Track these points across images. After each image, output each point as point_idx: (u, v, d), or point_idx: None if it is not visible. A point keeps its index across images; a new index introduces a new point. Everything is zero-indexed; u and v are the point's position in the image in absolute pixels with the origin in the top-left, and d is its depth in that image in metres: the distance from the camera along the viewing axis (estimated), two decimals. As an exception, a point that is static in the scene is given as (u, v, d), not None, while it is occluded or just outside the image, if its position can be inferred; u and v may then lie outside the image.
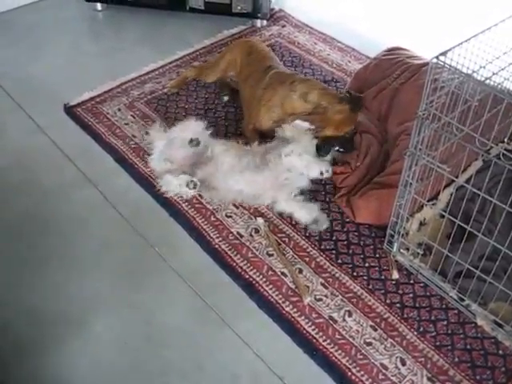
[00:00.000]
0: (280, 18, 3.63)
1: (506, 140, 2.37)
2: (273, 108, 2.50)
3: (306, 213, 2.25)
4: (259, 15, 3.49)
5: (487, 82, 1.67)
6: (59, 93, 2.95)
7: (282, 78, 2.54)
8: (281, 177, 2.31)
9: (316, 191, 2.42)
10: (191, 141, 2.34)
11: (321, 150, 2.39)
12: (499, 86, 1.80)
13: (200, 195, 2.39)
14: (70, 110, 2.85)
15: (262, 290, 2.06)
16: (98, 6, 3.64)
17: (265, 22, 3.55)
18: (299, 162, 2.32)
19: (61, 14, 3.64)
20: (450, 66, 1.64)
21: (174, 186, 2.32)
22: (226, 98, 2.91)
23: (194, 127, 2.45)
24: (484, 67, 1.71)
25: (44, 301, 2.05)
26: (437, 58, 1.63)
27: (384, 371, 1.84)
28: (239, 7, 3.45)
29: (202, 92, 2.96)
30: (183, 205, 2.36)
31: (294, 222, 2.30)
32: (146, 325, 1.98)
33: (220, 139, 2.50)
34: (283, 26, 3.54)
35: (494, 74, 1.70)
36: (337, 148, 2.43)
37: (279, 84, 2.50)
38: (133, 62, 3.19)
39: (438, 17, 3.56)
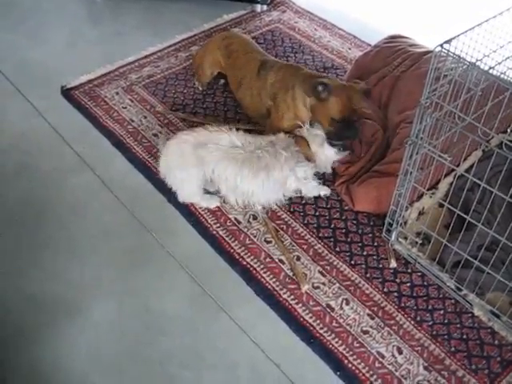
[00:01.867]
0: (280, 3, 3.59)
1: (508, 130, 2.36)
2: (289, 119, 2.40)
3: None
4: (259, 0, 3.46)
5: (491, 71, 1.65)
6: (58, 77, 2.92)
7: (285, 84, 2.42)
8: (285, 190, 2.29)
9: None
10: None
11: (332, 140, 2.32)
12: (503, 76, 1.79)
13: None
14: (67, 93, 2.83)
15: (259, 276, 2.06)
16: (97, -12, 3.60)
17: (265, 7, 3.51)
18: (307, 185, 2.30)
19: (59, -3, 3.60)
20: (454, 54, 1.63)
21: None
22: (222, 81, 2.89)
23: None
24: (488, 56, 1.70)
25: (42, 287, 2.04)
26: (441, 46, 1.62)
27: (380, 359, 1.84)
28: (239, -9, 3.42)
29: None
30: (181, 190, 2.35)
31: (292, 209, 2.29)
32: (144, 311, 1.98)
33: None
34: (283, 12, 3.51)
35: (498, 63, 1.68)
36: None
37: (285, 93, 2.40)
38: (131, 45, 3.16)
39: (440, 5, 3.55)
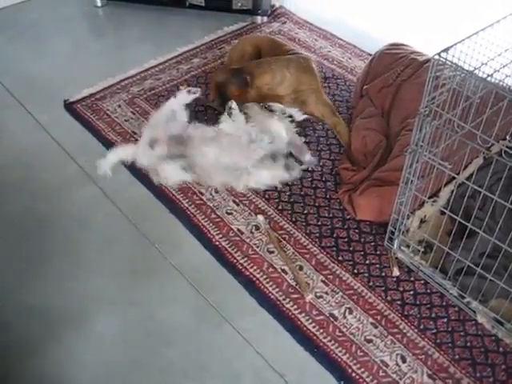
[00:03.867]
0: (280, 14, 3.62)
1: (507, 137, 2.36)
2: None
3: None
4: (259, 12, 3.49)
5: (489, 78, 1.66)
6: (59, 89, 2.94)
7: None
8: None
9: (317, 188, 2.42)
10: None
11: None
12: (501, 83, 1.79)
13: (201, 192, 2.39)
14: (69, 107, 2.85)
15: (262, 287, 2.06)
16: (98, 2, 3.63)
17: (265, 19, 3.54)
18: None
19: (60, 11, 3.63)
20: (452, 62, 1.64)
21: (171, 172, 2.39)
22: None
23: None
24: (486, 64, 1.71)
25: (45, 298, 2.04)
26: (439, 54, 1.63)
27: (384, 368, 1.84)
28: (239, 4, 3.45)
29: (202, 88, 2.95)
30: (184, 202, 2.36)
31: (294, 219, 2.29)
32: (148, 322, 1.98)
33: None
34: (284, 23, 3.54)
35: (495, 71, 1.69)
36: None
37: None
38: (133, 58, 3.18)
39: (439, 14, 3.57)
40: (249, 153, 2.38)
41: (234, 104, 2.49)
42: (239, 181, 2.38)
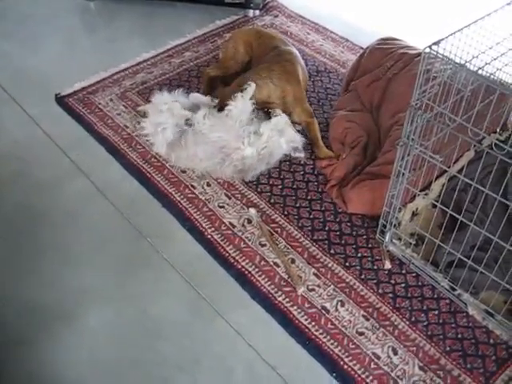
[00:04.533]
0: (273, 8, 3.61)
1: (498, 130, 2.38)
2: None
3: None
4: (252, 5, 3.48)
5: (480, 72, 1.67)
6: (52, 84, 2.93)
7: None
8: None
9: (309, 181, 2.43)
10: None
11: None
12: (491, 76, 1.80)
13: (193, 186, 2.39)
14: (61, 101, 2.84)
15: (254, 280, 2.07)
16: (90, -5, 3.62)
17: (257, 12, 3.53)
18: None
19: (53, 5, 3.61)
20: (443, 55, 1.64)
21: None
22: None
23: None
24: (477, 57, 1.71)
25: (38, 294, 2.04)
26: (430, 47, 1.63)
27: (376, 360, 1.85)
28: (232, -3, 3.44)
29: (194, 82, 2.95)
30: (176, 195, 2.36)
31: (286, 213, 2.30)
32: (141, 316, 1.98)
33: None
34: (276, 16, 3.53)
35: (486, 63, 1.69)
36: None
37: None
38: (125, 52, 3.17)
39: (431, 7, 3.57)
40: (239, 135, 2.39)
41: (252, 86, 2.49)
42: (222, 162, 2.39)
